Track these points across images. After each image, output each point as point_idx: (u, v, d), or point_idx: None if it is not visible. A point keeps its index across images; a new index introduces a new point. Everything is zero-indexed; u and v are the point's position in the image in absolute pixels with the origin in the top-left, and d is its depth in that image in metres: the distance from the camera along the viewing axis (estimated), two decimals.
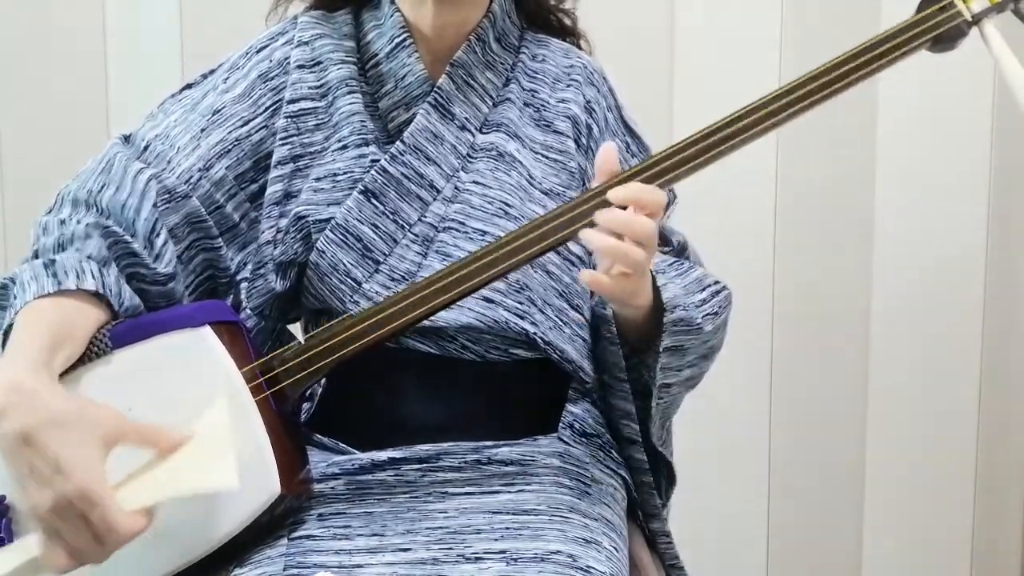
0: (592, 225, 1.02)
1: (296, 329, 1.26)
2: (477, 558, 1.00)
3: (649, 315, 1.11)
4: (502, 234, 1.12)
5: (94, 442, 0.93)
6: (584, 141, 1.22)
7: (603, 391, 1.22)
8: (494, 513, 1.06)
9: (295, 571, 1.00)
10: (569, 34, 1.30)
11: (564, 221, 1.05)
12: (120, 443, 0.96)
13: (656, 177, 1.05)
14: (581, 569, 0.99)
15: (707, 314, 1.16)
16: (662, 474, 1.26)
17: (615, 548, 1.05)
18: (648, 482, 1.21)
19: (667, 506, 1.27)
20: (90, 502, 0.92)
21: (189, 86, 1.21)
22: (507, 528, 1.04)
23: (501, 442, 1.15)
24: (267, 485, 1.01)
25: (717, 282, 1.21)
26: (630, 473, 1.22)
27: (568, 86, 1.23)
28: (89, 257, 1.06)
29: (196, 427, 0.99)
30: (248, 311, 1.18)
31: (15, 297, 1.03)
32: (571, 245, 1.18)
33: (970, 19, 1.09)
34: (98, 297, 1.04)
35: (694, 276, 1.20)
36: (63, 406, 0.94)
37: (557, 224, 1.05)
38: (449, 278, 1.05)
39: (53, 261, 1.04)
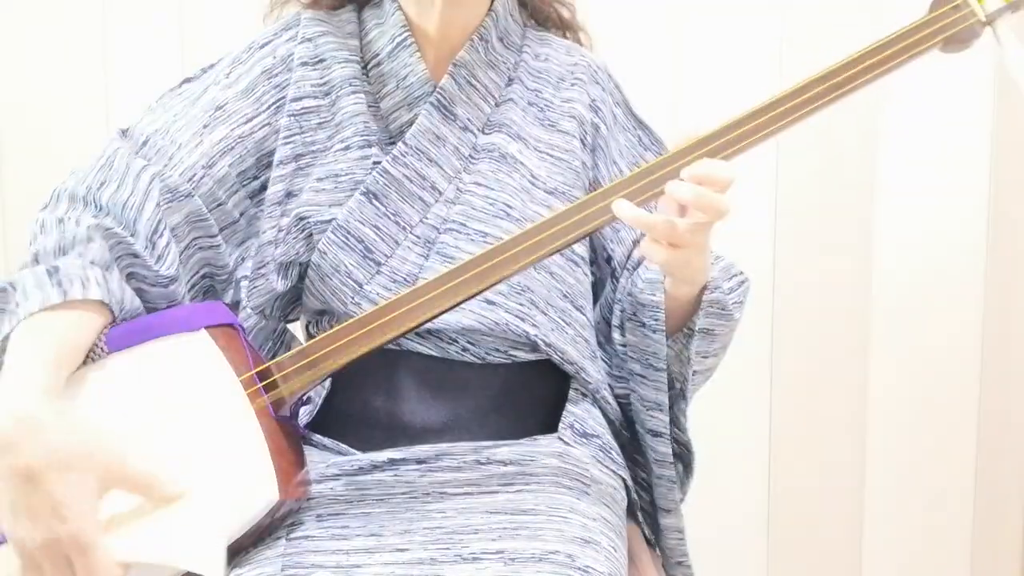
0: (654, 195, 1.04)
1: (296, 328, 1.25)
2: (475, 558, 1.00)
3: (694, 297, 1.13)
4: (503, 235, 1.12)
5: (92, 485, 0.93)
6: (590, 140, 1.22)
7: (631, 384, 1.21)
8: (492, 513, 1.06)
9: (292, 571, 1.00)
10: (568, 27, 1.30)
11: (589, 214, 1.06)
12: (116, 487, 0.95)
13: (658, 182, 1.05)
14: (579, 569, 0.99)
15: (735, 302, 1.17)
16: (678, 468, 1.25)
17: (613, 548, 1.05)
18: (669, 475, 1.20)
19: (683, 500, 1.27)
20: (80, 549, 0.92)
21: (188, 80, 1.21)
22: (505, 528, 1.04)
23: (501, 442, 1.15)
24: (266, 492, 1.01)
25: (741, 272, 1.21)
26: (650, 468, 1.21)
27: (572, 85, 1.23)
28: (92, 262, 1.04)
29: (193, 479, 0.99)
30: (248, 310, 1.18)
31: (17, 304, 1.00)
32: (575, 245, 1.18)
33: (983, 19, 1.08)
34: (101, 304, 1.02)
35: (723, 264, 1.20)
36: (69, 446, 0.93)
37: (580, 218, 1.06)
38: (451, 282, 1.05)
39: (57, 268, 1.01)
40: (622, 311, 1.20)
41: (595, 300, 1.26)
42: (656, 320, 1.15)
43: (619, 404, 1.24)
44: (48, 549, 0.92)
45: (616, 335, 1.21)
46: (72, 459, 0.93)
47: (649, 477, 1.23)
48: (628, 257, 1.23)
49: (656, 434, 1.19)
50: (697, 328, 1.13)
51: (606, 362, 1.24)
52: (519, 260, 1.05)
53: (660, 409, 1.18)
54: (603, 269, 1.25)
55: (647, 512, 1.26)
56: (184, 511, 0.97)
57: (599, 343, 1.24)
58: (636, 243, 1.23)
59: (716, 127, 1.06)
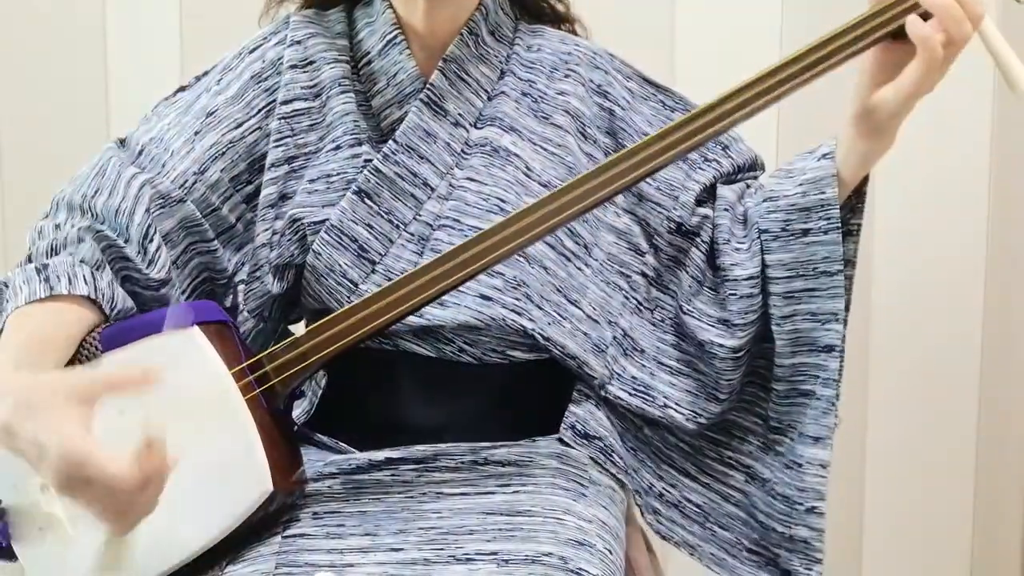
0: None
1: (298, 329, 1.25)
2: (468, 559, 0.99)
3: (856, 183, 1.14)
4: None
5: (66, 407, 0.92)
6: (605, 125, 1.22)
7: (797, 306, 1.15)
8: (488, 514, 1.06)
9: (287, 569, 0.99)
10: (562, 20, 1.29)
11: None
12: (98, 397, 0.94)
13: (642, 163, 1.06)
14: (572, 572, 0.98)
15: None
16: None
17: (608, 550, 1.05)
18: (829, 396, 1.16)
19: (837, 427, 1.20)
20: (77, 464, 0.90)
21: (183, 88, 1.22)
22: (499, 529, 1.03)
23: (499, 443, 1.15)
24: (259, 484, 1.01)
25: None
26: (797, 396, 1.17)
27: (566, 76, 1.22)
28: (82, 261, 1.06)
29: (186, 472, 0.97)
30: (245, 314, 1.19)
31: (7, 301, 1.03)
32: (565, 240, 1.18)
33: None
34: (90, 301, 1.04)
35: None
36: (26, 385, 0.94)
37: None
38: (443, 266, 1.05)
39: (46, 266, 1.04)
40: (762, 233, 1.16)
41: (663, 287, 1.24)
42: (828, 219, 1.12)
43: (762, 351, 1.20)
44: (64, 484, 0.92)
45: (748, 268, 1.17)
46: (34, 395, 0.93)
47: (786, 412, 1.19)
48: (699, 204, 1.21)
49: (830, 349, 1.15)
50: (855, 223, 1.14)
51: (725, 322, 1.18)
52: (517, 238, 1.05)
53: (836, 319, 1.14)
54: (673, 245, 1.22)
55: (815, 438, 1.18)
56: (178, 496, 0.97)
57: (688, 311, 1.20)
58: (700, 194, 1.21)
59: (690, 113, 1.07)
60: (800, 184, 1.14)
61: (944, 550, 1.84)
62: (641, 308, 1.23)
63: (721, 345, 1.18)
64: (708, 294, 1.20)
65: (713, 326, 1.18)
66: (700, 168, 1.22)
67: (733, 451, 1.24)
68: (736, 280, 1.17)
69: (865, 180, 1.15)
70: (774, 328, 1.17)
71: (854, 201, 1.15)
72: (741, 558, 1.22)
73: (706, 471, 1.24)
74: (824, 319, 1.14)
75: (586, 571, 0.99)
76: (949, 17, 1.03)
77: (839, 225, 1.13)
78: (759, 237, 1.16)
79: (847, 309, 1.16)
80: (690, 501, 1.24)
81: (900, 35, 1.06)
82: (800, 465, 1.17)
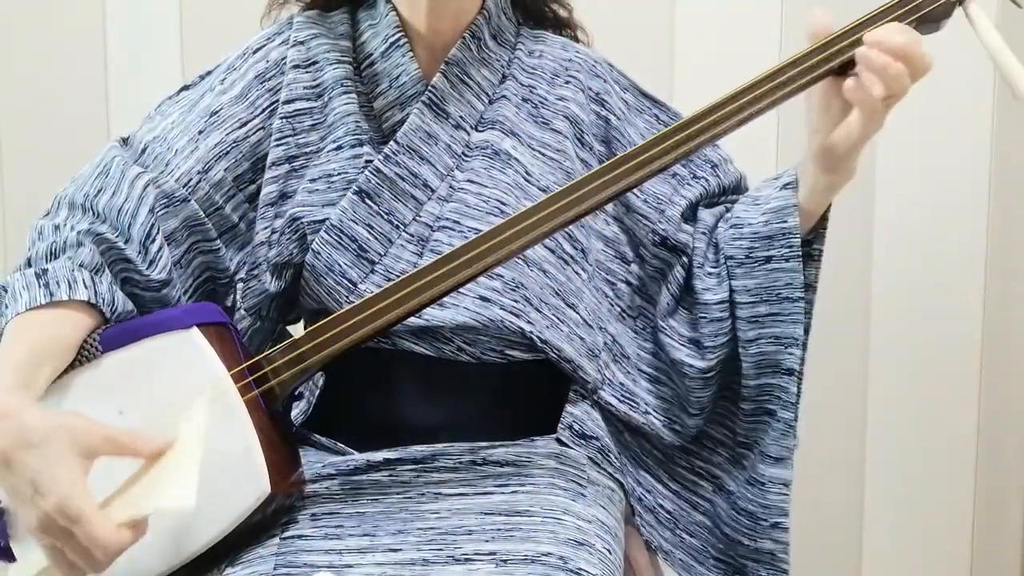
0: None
1: (297, 330, 1.25)
2: (467, 559, 1.00)
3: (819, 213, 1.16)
4: None
5: (71, 458, 0.93)
6: (601, 133, 1.22)
7: (761, 330, 1.17)
8: (486, 514, 1.06)
9: (285, 570, 1.00)
10: (564, 26, 1.30)
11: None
12: (100, 455, 0.96)
13: (639, 167, 1.06)
14: (572, 571, 0.98)
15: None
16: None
17: (608, 550, 1.05)
18: (788, 418, 1.18)
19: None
20: (70, 518, 0.92)
21: (186, 87, 1.22)
22: (498, 529, 1.04)
23: (497, 443, 1.15)
24: (257, 485, 1.01)
25: None
26: (762, 416, 1.19)
27: (567, 82, 1.22)
28: (81, 265, 1.06)
29: (179, 432, 0.99)
30: (243, 311, 1.19)
31: (6, 307, 1.03)
32: (564, 244, 1.18)
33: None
34: (90, 306, 1.04)
35: None
36: (37, 425, 0.94)
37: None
38: (441, 269, 1.05)
39: (45, 271, 1.04)
40: (728, 260, 1.19)
41: (648, 298, 1.25)
42: (790, 247, 1.14)
43: (721, 366, 1.21)
44: (45, 527, 0.93)
45: (718, 293, 1.19)
46: (42, 436, 0.93)
47: (752, 429, 1.20)
48: (685, 220, 1.23)
49: (791, 372, 1.17)
50: (817, 248, 1.16)
51: (696, 343, 1.20)
52: (513, 241, 1.05)
53: (797, 344, 1.16)
54: (658, 258, 1.24)
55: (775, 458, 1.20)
56: (168, 463, 0.97)
57: (662, 327, 1.22)
58: (686, 210, 1.23)
59: (692, 114, 1.07)
60: (763, 212, 1.16)
61: (944, 550, 1.84)
62: (625, 315, 1.25)
63: (691, 366, 1.20)
64: (683, 314, 1.22)
65: (685, 346, 1.20)
66: (688, 184, 1.23)
67: (704, 461, 1.26)
68: (707, 304, 1.19)
69: (828, 206, 1.16)
70: (740, 350, 1.19)
71: (818, 227, 1.17)
72: (708, 565, 1.25)
73: (677, 479, 1.26)
74: (787, 343, 1.17)
75: (585, 571, 0.99)
76: (888, 77, 1.03)
77: (800, 253, 1.15)
78: (726, 263, 1.18)
79: (806, 333, 1.18)
80: (662, 507, 1.26)
81: (845, 70, 1.07)
82: (763, 484, 1.20)
